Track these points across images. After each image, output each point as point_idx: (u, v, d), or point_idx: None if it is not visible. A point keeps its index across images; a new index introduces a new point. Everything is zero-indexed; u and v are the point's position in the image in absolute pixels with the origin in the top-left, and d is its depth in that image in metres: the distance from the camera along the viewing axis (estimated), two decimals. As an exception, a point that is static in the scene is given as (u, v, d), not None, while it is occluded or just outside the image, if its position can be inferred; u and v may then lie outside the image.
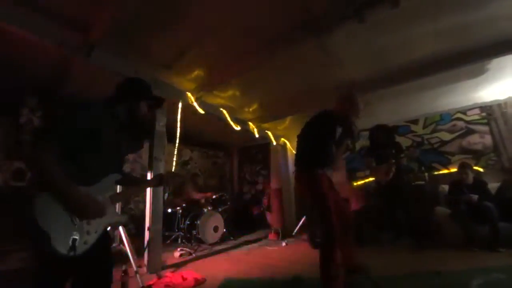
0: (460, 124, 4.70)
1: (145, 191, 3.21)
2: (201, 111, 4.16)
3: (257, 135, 5.54)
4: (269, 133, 6.00)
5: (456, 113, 4.76)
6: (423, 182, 4.43)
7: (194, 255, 3.78)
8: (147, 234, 3.12)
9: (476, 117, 4.57)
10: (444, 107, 4.78)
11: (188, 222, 4.42)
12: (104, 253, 1.33)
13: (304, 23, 2.72)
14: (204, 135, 6.54)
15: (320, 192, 2.09)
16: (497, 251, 2.96)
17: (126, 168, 5.18)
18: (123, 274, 2.24)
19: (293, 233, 4.97)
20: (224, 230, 4.73)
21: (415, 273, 2.54)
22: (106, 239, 1.34)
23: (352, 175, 5.75)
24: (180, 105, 3.93)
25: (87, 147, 1.18)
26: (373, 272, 2.49)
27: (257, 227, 5.97)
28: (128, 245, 2.71)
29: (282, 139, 6.42)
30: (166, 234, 4.43)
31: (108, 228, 1.37)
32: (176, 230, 4.56)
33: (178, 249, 3.94)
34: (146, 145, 3.33)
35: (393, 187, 3.79)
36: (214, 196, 5.11)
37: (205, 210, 4.50)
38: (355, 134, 2.14)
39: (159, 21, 2.67)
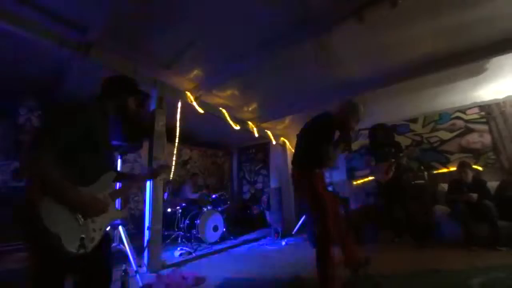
0: (459, 123, 4.70)
1: (139, 187, 3.18)
2: (201, 111, 4.15)
3: (256, 135, 5.55)
4: (269, 132, 6.00)
5: (455, 112, 4.76)
6: (422, 181, 4.43)
7: (194, 254, 3.78)
8: (147, 233, 3.12)
9: (475, 116, 4.57)
10: (443, 106, 4.79)
11: (188, 222, 4.42)
12: (105, 251, 1.34)
13: (303, 23, 2.72)
14: (203, 135, 6.54)
15: (315, 192, 2.11)
16: (497, 249, 2.97)
17: (127, 167, 5.17)
18: (123, 274, 2.24)
19: (293, 232, 4.98)
20: (224, 229, 4.73)
21: (414, 271, 2.54)
22: (106, 237, 1.35)
23: (352, 174, 5.75)
24: (179, 104, 3.93)
25: (83, 147, 1.19)
26: (373, 271, 2.50)
27: (256, 227, 5.98)
28: (128, 244, 2.71)
29: (282, 138, 6.43)
30: (166, 233, 4.43)
31: (108, 228, 1.36)
32: (176, 230, 4.56)
33: (178, 248, 3.94)
34: (145, 145, 3.32)
35: (392, 186, 3.80)
36: (214, 196, 5.11)
37: (205, 209, 4.50)
38: (352, 140, 2.20)
39: (158, 20, 2.66)
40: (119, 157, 3.01)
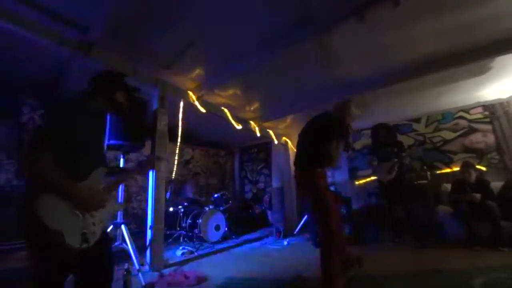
0: (463, 122, 4.67)
1: (129, 180, 3.15)
2: (203, 110, 4.16)
3: (258, 134, 5.55)
4: (271, 132, 6.00)
5: (459, 111, 4.73)
6: (425, 181, 4.41)
7: (196, 253, 3.79)
8: (149, 232, 3.14)
9: (479, 115, 4.54)
10: (446, 106, 4.76)
11: (190, 221, 4.43)
12: (106, 245, 1.37)
13: (304, 22, 2.71)
14: (205, 134, 6.55)
15: (318, 191, 2.13)
16: (499, 250, 2.96)
17: (129, 166, 5.19)
18: (125, 273, 2.25)
19: (295, 232, 4.98)
20: (226, 229, 4.74)
21: (416, 272, 2.53)
22: (106, 232, 1.38)
23: (354, 174, 5.74)
24: (181, 104, 3.93)
25: (77, 145, 1.21)
26: (375, 271, 2.50)
27: (258, 226, 5.98)
28: (131, 243, 2.72)
29: (284, 137, 6.42)
30: (168, 233, 4.45)
31: (107, 221, 1.38)
32: (178, 229, 4.58)
33: (180, 247, 3.96)
34: (148, 144, 3.33)
35: (395, 186, 3.79)
36: (216, 195, 5.12)
37: (207, 209, 4.51)
38: (351, 136, 2.22)
39: (159, 20, 2.67)
40: (121, 156, 3.04)
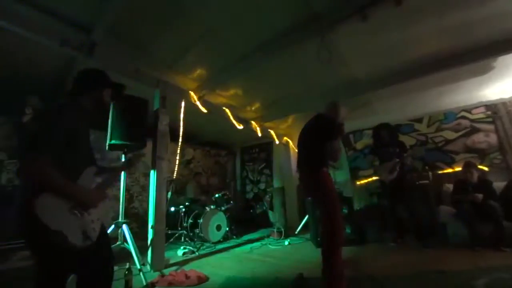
0: (465, 122, 4.65)
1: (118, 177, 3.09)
2: (204, 110, 4.16)
3: (259, 134, 5.54)
4: (272, 132, 6.00)
5: (461, 111, 4.71)
6: (427, 181, 4.39)
7: (197, 253, 3.79)
8: (150, 232, 3.14)
9: (481, 115, 4.52)
10: (448, 106, 4.74)
11: (191, 221, 4.44)
12: (105, 239, 1.39)
13: (307, 22, 2.71)
14: (207, 134, 6.56)
15: (327, 190, 2.17)
16: (502, 250, 2.94)
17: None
18: (126, 272, 2.25)
19: (296, 232, 4.97)
20: (227, 228, 4.74)
21: (418, 272, 2.52)
22: (103, 227, 1.38)
23: (356, 174, 5.73)
24: (183, 104, 3.94)
25: (69, 145, 1.22)
26: (376, 272, 2.49)
27: (259, 226, 5.98)
28: (132, 243, 2.73)
29: (285, 138, 6.42)
30: (169, 232, 4.45)
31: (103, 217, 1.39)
32: (179, 229, 4.58)
33: (181, 247, 3.96)
34: (149, 144, 3.34)
35: (396, 186, 3.77)
36: (217, 195, 5.12)
37: (208, 208, 4.51)
38: (343, 132, 2.32)
39: (161, 20, 2.67)
40: (123, 156, 3.04)
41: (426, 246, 3.37)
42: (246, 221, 6.24)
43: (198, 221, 4.32)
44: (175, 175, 4.60)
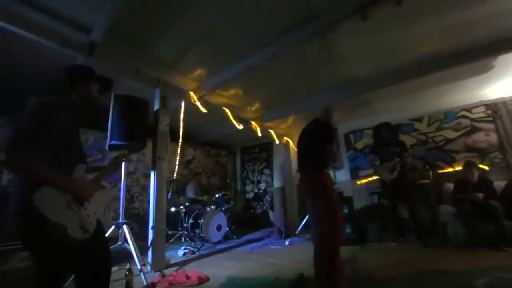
0: (465, 122, 4.65)
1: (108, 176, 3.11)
2: (204, 110, 4.16)
3: (259, 134, 5.54)
4: (272, 132, 5.99)
5: (461, 111, 4.71)
6: (427, 181, 4.38)
7: (197, 253, 3.79)
8: (151, 233, 3.14)
9: (482, 114, 4.52)
10: (448, 105, 4.74)
11: (192, 221, 4.44)
12: (102, 233, 1.40)
13: (306, 21, 2.71)
14: (207, 134, 6.56)
15: (329, 191, 2.24)
16: (502, 249, 2.94)
17: (131, 167, 5.22)
18: (127, 273, 2.25)
19: (296, 232, 4.97)
20: (227, 229, 4.74)
21: (419, 272, 2.52)
22: (100, 226, 1.38)
23: (356, 174, 5.72)
24: (183, 104, 3.94)
25: (61, 142, 1.22)
26: (377, 271, 2.49)
27: (260, 226, 5.98)
28: (133, 243, 2.73)
29: (285, 137, 6.41)
30: (170, 233, 4.46)
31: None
32: (180, 229, 4.58)
33: (182, 247, 3.96)
34: (149, 144, 3.34)
35: (397, 186, 3.78)
36: (217, 195, 5.13)
37: (208, 209, 4.52)
38: (337, 137, 2.42)
39: (161, 20, 2.67)
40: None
41: (426, 245, 3.37)
42: (246, 221, 6.24)
43: (199, 221, 4.33)
44: (175, 175, 4.60)
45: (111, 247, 2.60)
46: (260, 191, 7.31)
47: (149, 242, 3.11)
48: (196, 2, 2.47)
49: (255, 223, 6.17)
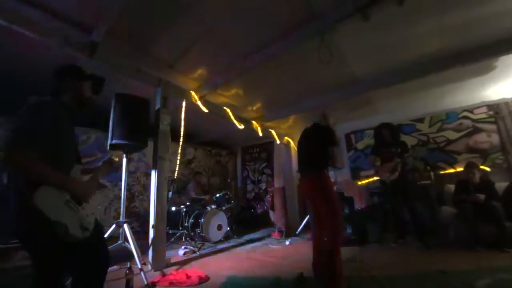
0: (467, 122, 4.63)
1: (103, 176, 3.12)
2: (205, 110, 4.16)
3: (260, 134, 5.54)
4: (273, 131, 5.99)
5: (463, 111, 4.69)
6: (428, 182, 4.38)
7: (198, 253, 3.80)
8: (151, 232, 3.15)
9: (483, 115, 4.49)
10: (450, 106, 4.72)
11: (192, 221, 4.44)
12: (100, 232, 1.42)
13: (308, 21, 2.70)
14: (208, 134, 6.56)
15: (331, 191, 2.36)
16: (504, 251, 2.93)
17: (132, 166, 5.22)
18: (127, 272, 2.26)
19: (297, 232, 4.97)
20: (228, 228, 4.74)
21: (420, 273, 2.52)
22: (98, 225, 1.39)
23: (357, 174, 5.71)
24: (184, 104, 3.94)
25: (58, 142, 1.23)
26: (377, 272, 2.49)
27: (260, 226, 5.98)
28: (133, 243, 2.73)
29: (286, 137, 6.41)
30: (170, 232, 4.46)
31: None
32: (180, 228, 4.59)
33: (182, 247, 3.96)
34: (150, 144, 3.35)
35: (398, 186, 3.76)
36: (218, 195, 5.13)
37: (209, 208, 4.52)
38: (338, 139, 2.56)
39: (162, 20, 2.67)
40: (123, 156, 3.05)
41: (427, 246, 3.36)
42: (247, 221, 6.24)
43: (199, 220, 4.33)
44: (176, 174, 4.61)
45: (111, 246, 2.62)
46: (261, 191, 7.31)
47: (150, 241, 3.11)
48: (197, 2, 2.47)
49: (255, 223, 6.17)
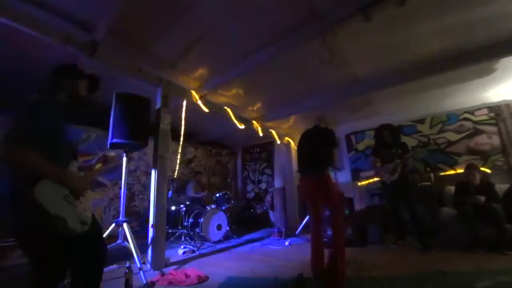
0: (468, 124, 4.62)
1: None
2: (206, 110, 4.17)
3: (261, 134, 5.54)
4: (273, 132, 6.00)
5: (464, 113, 4.68)
6: (429, 183, 4.37)
7: (197, 252, 3.80)
8: (151, 231, 3.15)
9: (484, 117, 4.48)
10: (451, 107, 4.72)
11: (192, 220, 4.44)
12: (97, 226, 1.42)
13: (309, 21, 2.70)
14: (208, 134, 6.56)
15: (331, 186, 2.56)
16: (504, 253, 2.92)
17: (132, 165, 5.22)
18: (126, 271, 2.26)
19: (296, 233, 4.97)
20: (227, 228, 4.74)
21: (420, 274, 2.51)
22: (95, 219, 1.40)
23: (357, 175, 5.71)
24: (184, 103, 3.94)
25: (55, 139, 1.26)
26: (378, 273, 2.48)
27: (260, 226, 5.98)
28: (132, 242, 2.73)
29: (286, 138, 6.41)
30: (170, 231, 4.46)
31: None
32: (180, 228, 4.59)
33: (182, 246, 3.97)
34: (150, 143, 3.35)
35: (398, 187, 3.75)
36: (218, 195, 5.13)
37: (209, 208, 4.52)
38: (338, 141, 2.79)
39: (163, 19, 2.67)
40: (124, 154, 3.05)
41: (427, 247, 3.35)
42: (246, 221, 6.24)
43: (199, 220, 4.33)
44: (176, 174, 4.61)
45: (111, 245, 2.62)
46: (261, 191, 7.30)
47: (149, 241, 3.11)
48: (198, 2, 2.47)
49: (255, 223, 6.16)
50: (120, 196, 3.11)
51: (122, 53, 3.05)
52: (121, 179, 3.08)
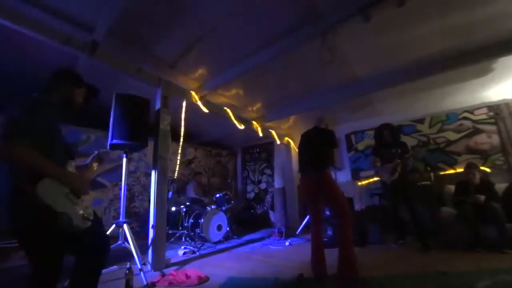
0: (467, 123, 4.62)
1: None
2: (205, 110, 4.17)
3: (261, 134, 5.54)
4: (273, 132, 6.00)
5: (463, 112, 4.68)
6: (428, 182, 4.37)
7: (197, 253, 3.79)
8: (151, 232, 3.15)
9: (484, 116, 4.49)
10: (450, 106, 4.72)
11: (192, 221, 4.44)
12: (98, 221, 1.43)
13: (309, 22, 2.71)
14: (208, 134, 6.56)
15: (334, 184, 2.62)
16: (504, 252, 2.92)
17: (132, 166, 5.22)
18: (127, 272, 2.25)
19: (297, 233, 4.97)
20: (228, 229, 4.74)
21: (420, 274, 2.51)
22: (96, 215, 1.42)
23: (357, 175, 5.71)
24: (184, 104, 3.94)
25: (52, 138, 1.26)
26: (378, 273, 2.48)
27: (260, 226, 5.98)
28: (133, 242, 2.73)
29: (286, 138, 6.41)
30: (170, 232, 4.46)
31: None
32: (180, 229, 4.59)
33: (182, 247, 3.96)
34: (150, 144, 3.34)
35: (398, 187, 3.76)
36: (218, 195, 5.13)
37: (209, 208, 4.52)
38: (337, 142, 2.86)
39: (163, 20, 2.68)
40: (124, 155, 3.05)
41: (427, 247, 3.35)
42: (247, 221, 6.24)
43: (199, 221, 4.33)
44: (176, 174, 4.61)
45: (111, 246, 2.61)
46: (261, 191, 7.30)
47: (149, 242, 3.11)
48: (198, 2, 2.47)
49: (255, 223, 6.16)
50: (120, 197, 3.11)
51: (122, 54, 3.05)
52: (121, 180, 3.08)
